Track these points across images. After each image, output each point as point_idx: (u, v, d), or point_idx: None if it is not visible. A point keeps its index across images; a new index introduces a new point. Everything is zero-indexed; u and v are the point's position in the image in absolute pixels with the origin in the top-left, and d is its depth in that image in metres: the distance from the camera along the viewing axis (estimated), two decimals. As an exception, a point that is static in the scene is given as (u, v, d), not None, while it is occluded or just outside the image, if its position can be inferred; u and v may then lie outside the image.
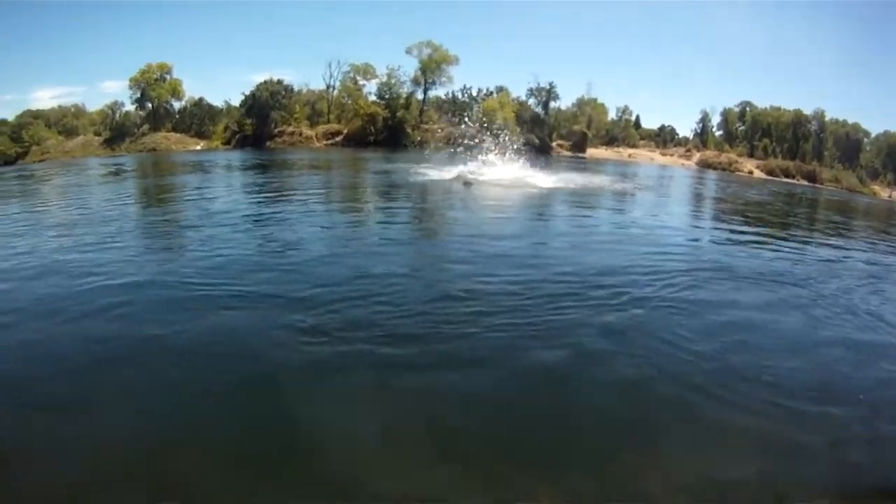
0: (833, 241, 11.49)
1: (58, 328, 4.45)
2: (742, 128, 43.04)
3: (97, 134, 47.24)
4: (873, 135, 50.34)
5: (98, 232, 8.26)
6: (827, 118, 47.66)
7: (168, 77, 44.94)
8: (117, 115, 47.72)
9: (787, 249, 9.41)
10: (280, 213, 10.24)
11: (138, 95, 44.75)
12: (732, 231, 11.60)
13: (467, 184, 13.83)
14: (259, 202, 11.88)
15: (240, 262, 6.29)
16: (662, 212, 14.07)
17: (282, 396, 3.52)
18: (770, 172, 42.77)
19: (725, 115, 42.29)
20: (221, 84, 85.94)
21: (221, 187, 15.00)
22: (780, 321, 5.30)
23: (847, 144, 48.75)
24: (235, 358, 3.99)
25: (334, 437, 3.13)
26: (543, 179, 16.58)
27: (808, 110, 46.07)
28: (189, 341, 4.16)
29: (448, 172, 16.02)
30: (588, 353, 4.17)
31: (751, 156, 42.48)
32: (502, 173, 16.37)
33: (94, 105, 54.17)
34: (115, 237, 7.86)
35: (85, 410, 3.33)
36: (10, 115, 47.69)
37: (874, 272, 8.30)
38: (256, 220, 9.21)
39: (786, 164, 44.64)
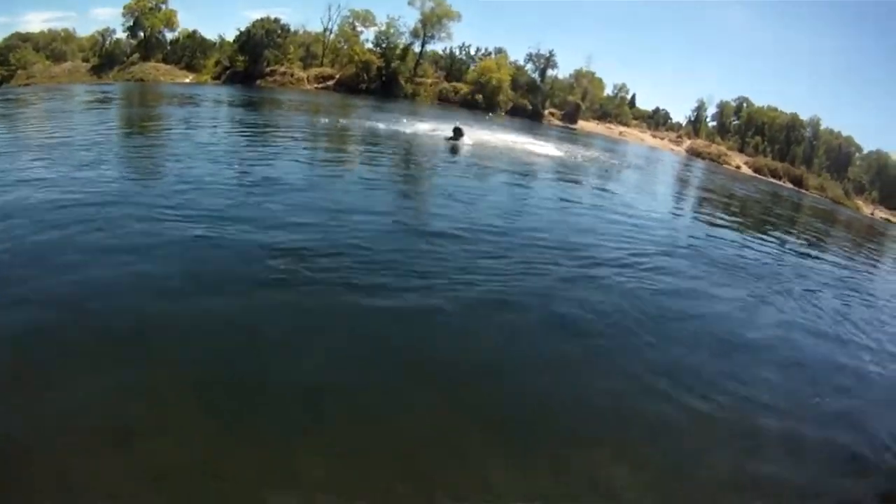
0: (810, 245, 11.79)
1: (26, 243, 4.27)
2: (736, 122, 43.05)
3: (86, 60, 45.99)
4: (865, 151, 50.76)
5: (76, 157, 7.98)
6: (822, 127, 47.91)
7: (163, 6, 43.80)
8: (108, 41, 46.51)
9: (762, 245, 9.55)
10: (261, 152, 10.02)
11: (131, 23, 43.63)
12: (712, 221, 11.67)
13: (453, 143, 13.35)
14: (242, 140, 11.61)
15: (216, 194, 6.19)
16: (647, 192, 14.09)
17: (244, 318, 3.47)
18: (757, 170, 42.85)
19: (722, 107, 42.28)
20: (217, 18, 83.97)
21: (207, 121, 14.69)
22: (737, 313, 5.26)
23: (838, 156, 49.03)
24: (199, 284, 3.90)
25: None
26: (532, 145, 16.42)
27: (804, 116, 46.25)
28: (162, 269, 4.05)
29: (436, 129, 15.62)
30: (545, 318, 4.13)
31: (741, 151, 42.53)
32: (491, 136, 16.15)
33: (85, 31, 52.67)
34: (94, 163, 7.59)
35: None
36: (-2, 38, 46.17)
37: (843, 278, 8.57)
38: (236, 159, 8.99)
39: (774, 165, 44.77)
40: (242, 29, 39.08)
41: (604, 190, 12.48)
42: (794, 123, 45.38)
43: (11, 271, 3.81)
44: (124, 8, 43.33)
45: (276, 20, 39.46)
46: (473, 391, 3.16)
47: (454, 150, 12.67)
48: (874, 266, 12.00)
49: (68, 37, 50.47)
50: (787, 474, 2.93)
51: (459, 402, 3.01)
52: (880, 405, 4.07)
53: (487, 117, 28.26)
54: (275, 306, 3.72)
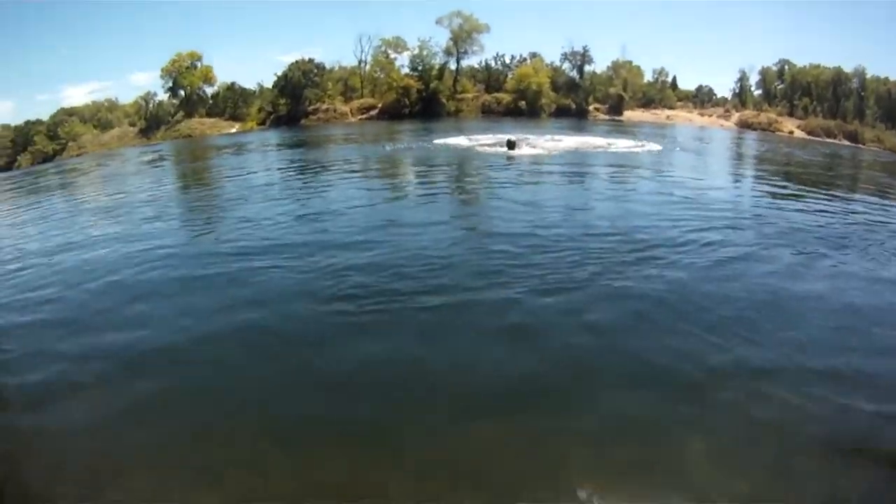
0: (875, 201, 11.24)
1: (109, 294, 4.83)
2: (781, 87, 41.85)
3: (132, 125, 48.25)
4: (916, 91, 48.49)
5: (138, 214, 8.55)
6: (868, 76, 46.09)
7: (199, 64, 45.60)
8: (151, 105, 48.68)
9: (826, 208, 9.38)
10: (315, 186, 10.36)
11: (170, 84, 45.58)
12: (772, 191, 11.42)
13: (509, 154, 13.32)
14: (295, 177, 12.01)
15: (276, 235, 6.45)
16: (704, 173, 13.88)
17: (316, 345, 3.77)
18: (811, 132, 41.58)
19: (764, 73, 41.17)
20: (252, 67, 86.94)
21: (258, 165, 15.19)
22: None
23: (889, 102, 46.97)
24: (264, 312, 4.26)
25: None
26: (578, 141, 16.58)
27: (848, 68, 44.62)
28: (233, 307, 4.38)
29: (487, 142, 15.68)
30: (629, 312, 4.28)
31: (791, 115, 41.33)
32: (544, 142, 16.21)
33: (126, 98, 55.24)
34: (156, 217, 8.12)
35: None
36: (44, 115, 48.85)
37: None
38: (292, 195, 9.41)
39: (827, 124, 43.32)
40: (279, 74, 40.53)
41: (662, 175, 12.51)
42: (839, 77, 43.84)
43: (114, 312, 4.40)
44: (162, 71, 45.34)
45: (311, 60, 40.68)
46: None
47: (510, 160, 12.78)
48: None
49: (112, 106, 53.09)
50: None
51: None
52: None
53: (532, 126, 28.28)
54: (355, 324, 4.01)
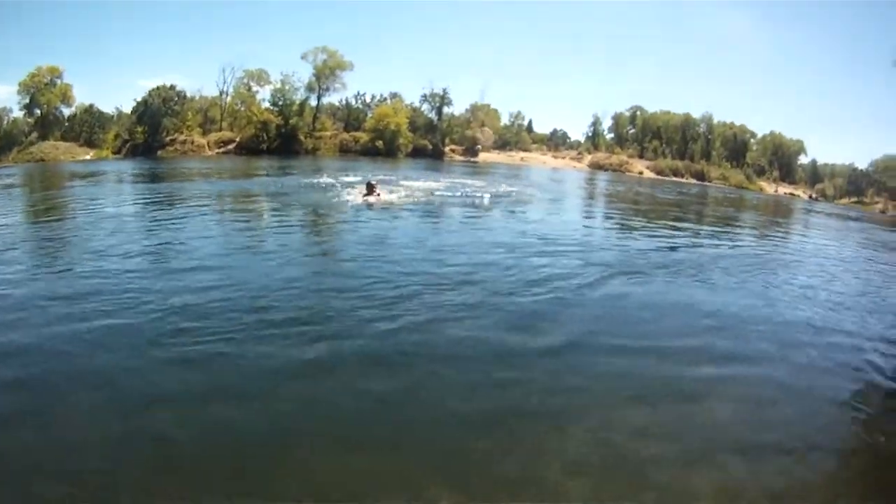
0: (720, 229, 13.17)
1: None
2: (633, 131, 45.67)
3: (-17, 143, 44.68)
4: (759, 135, 54.52)
5: None
6: (715, 121, 51.30)
7: (59, 81, 43.03)
8: (5, 121, 45.32)
9: (676, 239, 10.57)
10: (170, 224, 10.04)
11: (27, 101, 42.73)
12: (623, 226, 12.63)
13: (367, 200, 12.62)
14: (149, 215, 11.52)
15: (126, 276, 6.14)
16: (556, 211, 14.59)
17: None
18: (660, 172, 45.63)
19: (616, 118, 44.77)
20: (112, 89, 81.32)
21: (111, 200, 14.20)
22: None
23: (734, 144, 52.52)
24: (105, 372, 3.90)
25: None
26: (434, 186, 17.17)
27: (696, 114, 49.44)
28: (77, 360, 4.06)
29: (346, 187, 15.05)
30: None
31: (641, 157, 45.17)
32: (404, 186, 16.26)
33: (-19, 109, 50.84)
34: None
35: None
36: None
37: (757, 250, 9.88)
38: (145, 234, 9.06)
39: (675, 164, 47.71)
40: (139, 99, 39.07)
41: (514, 216, 12.77)
42: (687, 122, 48.48)
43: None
44: (19, 85, 42.44)
45: (172, 87, 39.53)
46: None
47: (370, 207, 12.23)
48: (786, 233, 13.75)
49: (-37, 120, 48.90)
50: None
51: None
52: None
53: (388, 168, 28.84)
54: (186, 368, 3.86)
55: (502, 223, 11.49)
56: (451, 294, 5.62)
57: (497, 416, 3.49)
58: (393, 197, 13.26)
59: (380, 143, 36.51)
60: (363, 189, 13.03)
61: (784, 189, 51.36)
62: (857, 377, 4.56)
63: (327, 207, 12.23)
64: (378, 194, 12.66)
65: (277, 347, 4.23)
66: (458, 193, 16.12)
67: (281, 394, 3.64)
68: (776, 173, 54.37)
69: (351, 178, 17.66)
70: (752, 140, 54.25)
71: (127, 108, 40.54)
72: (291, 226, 10.39)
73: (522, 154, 39.96)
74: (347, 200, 12.68)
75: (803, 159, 55.96)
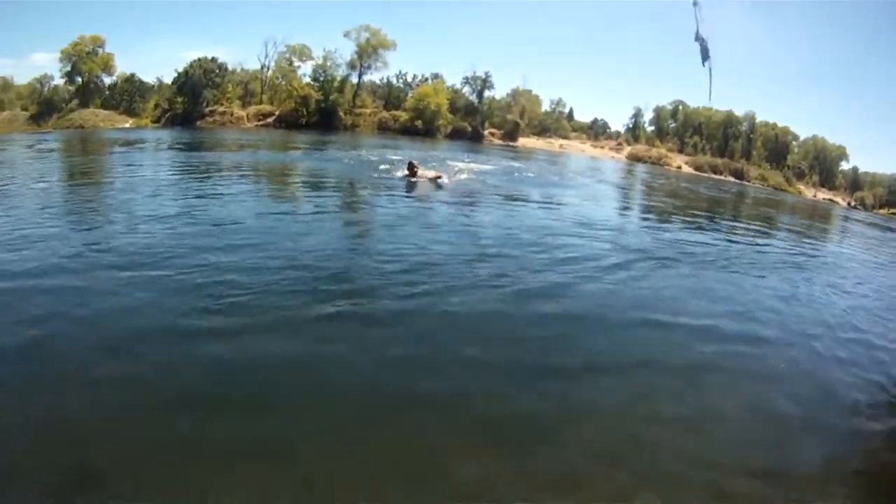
0: (757, 229, 12.72)
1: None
2: (674, 125, 44.60)
3: (24, 109, 45.28)
4: (802, 138, 52.97)
5: (19, 210, 7.90)
6: (757, 120, 49.92)
7: (100, 50, 43.37)
8: (46, 88, 45.84)
9: (712, 235, 10.27)
10: (208, 192, 9.93)
11: (69, 69, 43.18)
12: (659, 218, 12.36)
13: (409, 181, 12.33)
14: (188, 183, 11.39)
15: (166, 243, 6.00)
16: (598, 199, 14.34)
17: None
18: (698, 168, 44.51)
19: (658, 111, 43.75)
20: (154, 60, 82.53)
21: (149, 167, 14.25)
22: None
23: (775, 146, 51.09)
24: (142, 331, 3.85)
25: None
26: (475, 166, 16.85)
27: (739, 112, 48.14)
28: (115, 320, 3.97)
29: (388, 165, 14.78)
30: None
31: (681, 152, 44.08)
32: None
33: (23, 78, 51.69)
34: (39, 215, 7.46)
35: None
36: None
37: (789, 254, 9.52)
38: (184, 201, 8.90)
39: (714, 161, 46.53)
40: (180, 70, 39.15)
41: (552, 203, 12.44)
42: (729, 120, 47.20)
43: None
44: (61, 53, 42.93)
45: (214, 59, 39.54)
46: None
47: (410, 188, 11.89)
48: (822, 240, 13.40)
49: (6, 85, 49.45)
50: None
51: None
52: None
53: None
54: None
55: (539, 208, 11.19)
56: (484, 269, 5.58)
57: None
58: (433, 175, 12.87)
59: (419, 123, 36.06)
60: (404, 169, 12.96)
61: (823, 194, 49.91)
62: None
63: (368, 184, 12.09)
64: (420, 175, 12.49)
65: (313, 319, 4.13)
66: (499, 175, 15.86)
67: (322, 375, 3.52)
68: (816, 178, 52.83)
69: (391, 156, 17.30)
70: (793, 143, 52.73)
71: (168, 79, 40.74)
72: (329, 201, 10.10)
73: (562, 141, 39.24)
74: (389, 178, 12.61)
75: (844, 166, 54.40)
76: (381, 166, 14.48)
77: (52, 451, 2.67)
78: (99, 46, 43.38)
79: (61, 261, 5.27)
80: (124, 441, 2.74)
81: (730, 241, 10.04)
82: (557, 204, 11.88)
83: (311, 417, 3.05)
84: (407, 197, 10.67)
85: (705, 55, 4.20)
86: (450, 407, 3.23)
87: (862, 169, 53.88)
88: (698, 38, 4.15)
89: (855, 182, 54.23)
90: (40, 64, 78.29)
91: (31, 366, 3.39)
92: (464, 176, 14.38)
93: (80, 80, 43.07)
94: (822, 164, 53.39)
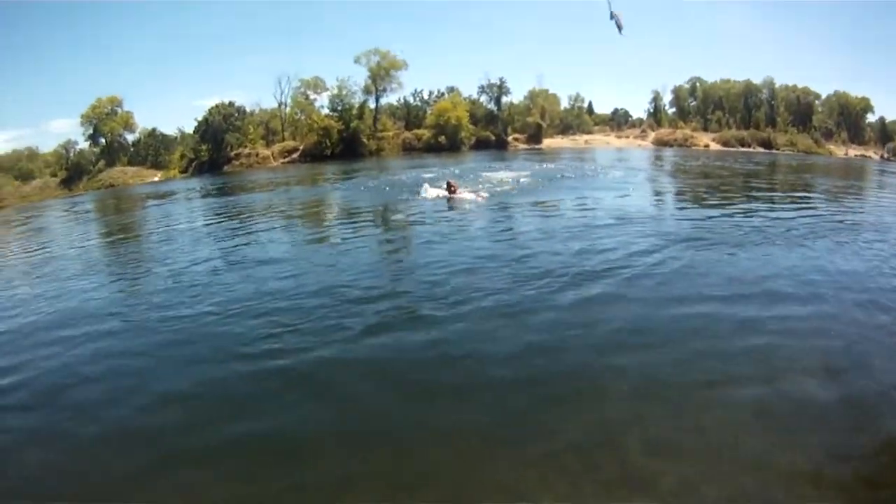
0: (794, 197, 12.25)
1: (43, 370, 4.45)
2: (694, 103, 43.84)
3: (53, 175, 46.53)
4: (824, 96, 51.58)
5: (64, 270, 8.27)
6: (777, 85, 48.78)
7: (119, 110, 44.42)
8: (72, 153, 47.07)
9: (744, 213, 9.85)
10: (243, 235, 10.06)
11: (91, 132, 44.35)
12: (694, 199, 12.05)
13: (449, 197, 12.21)
14: (221, 227, 11.56)
15: (207, 286, 6.24)
16: (627, 191, 13.87)
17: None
18: (726, 143, 43.65)
19: (676, 92, 43.04)
20: (171, 112, 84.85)
21: (183, 217, 14.72)
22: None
23: (799, 108, 49.86)
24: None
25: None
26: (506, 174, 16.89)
27: (757, 80, 47.09)
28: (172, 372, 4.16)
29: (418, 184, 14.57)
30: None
31: (705, 129, 43.32)
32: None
33: (45, 147, 53.14)
34: (83, 276, 7.75)
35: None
36: (-40, 168, 46.69)
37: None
38: (219, 246, 9.01)
39: (740, 134, 45.58)
40: (199, 118, 39.82)
41: (588, 202, 12.14)
42: (749, 89, 46.25)
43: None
44: (81, 117, 44.08)
45: (231, 104, 40.17)
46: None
47: (452, 207, 11.73)
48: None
49: (32, 154, 50.87)
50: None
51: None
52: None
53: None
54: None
55: (577, 209, 10.76)
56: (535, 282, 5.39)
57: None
58: (471, 195, 12.56)
59: (442, 139, 36.04)
60: (442, 189, 12.71)
61: (854, 151, 48.53)
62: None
63: (403, 207, 11.81)
64: (458, 193, 12.31)
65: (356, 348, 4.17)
66: (534, 180, 15.77)
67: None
68: (844, 135, 51.40)
69: (424, 174, 17.21)
70: (816, 102, 51.38)
71: (189, 129, 41.49)
72: (365, 229, 9.92)
73: (586, 137, 38.85)
74: (426, 198, 12.47)
75: (871, 118, 52.83)
76: (416, 188, 14.19)
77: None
78: (117, 106, 44.41)
79: (110, 315, 5.52)
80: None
81: (768, 215, 9.58)
82: (593, 202, 11.46)
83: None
84: (447, 214, 10.65)
85: (620, 29, 5.00)
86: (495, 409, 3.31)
87: (889, 118, 52.27)
88: (612, 17, 4.95)
89: (884, 133, 52.63)
90: (60, 131, 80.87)
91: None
92: (500, 187, 14.21)
93: (103, 140, 44.14)
94: (849, 119, 51.96)
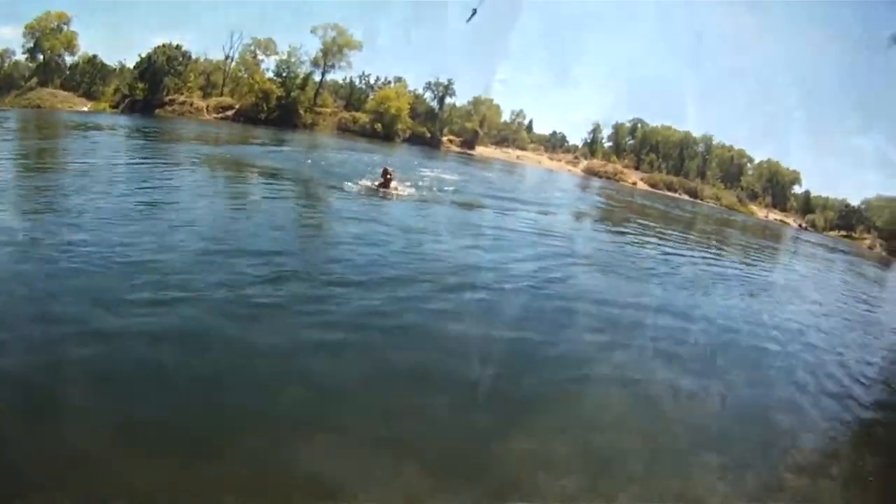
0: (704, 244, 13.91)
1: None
2: (632, 142, 46.01)
3: (-18, 84, 44.24)
4: (756, 161, 55.00)
5: None
6: (714, 142, 51.76)
7: (65, 27, 42.66)
8: (6, 63, 44.87)
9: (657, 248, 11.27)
10: (161, 183, 10.23)
11: (31, 45, 42.39)
12: (610, 230, 13.41)
13: (384, 190, 11.88)
14: (141, 172, 11.62)
15: (111, 231, 6.47)
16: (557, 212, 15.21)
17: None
18: (654, 185, 46.02)
19: (617, 128, 45.09)
20: (118, 43, 79.85)
21: (104, 154, 14.51)
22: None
23: (731, 167, 53.04)
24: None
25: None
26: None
27: (697, 133, 49.81)
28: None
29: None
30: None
31: (637, 168, 45.54)
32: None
33: (-14, 50, 50.22)
34: None
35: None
36: None
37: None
38: (134, 191, 9.17)
39: (670, 179, 48.13)
40: (143, 55, 38.85)
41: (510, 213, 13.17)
42: (686, 140, 48.84)
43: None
44: (25, 28, 42.08)
45: (178, 47, 39.33)
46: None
47: (385, 198, 11.50)
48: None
49: (-35, 57, 48.32)
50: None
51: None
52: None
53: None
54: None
55: (495, 219, 11.92)
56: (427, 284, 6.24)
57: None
58: (405, 191, 12.63)
59: (378, 126, 36.61)
60: (376, 177, 12.46)
61: (774, 215, 51.86)
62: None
63: (327, 191, 11.95)
64: (392, 182, 12.11)
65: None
66: (468, 185, 16.57)
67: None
68: (769, 199, 54.89)
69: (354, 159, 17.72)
70: (748, 165, 54.75)
71: (130, 64, 40.36)
72: (285, 200, 10.48)
73: (518, 152, 40.28)
74: (357, 184, 12.27)
75: (797, 189, 56.48)
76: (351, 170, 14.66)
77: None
78: (64, 23, 42.57)
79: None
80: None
81: (686, 257, 10.99)
82: (519, 213, 12.75)
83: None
84: (373, 205, 10.84)
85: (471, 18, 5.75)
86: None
87: (815, 192, 56.01)
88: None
89: (807, 205, 56.29)
90: (5, 37, 75.46)
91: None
92: (431, 185, 14.88)
93: (41, 57, 42.34)
94: (776, 187, 55.38)
